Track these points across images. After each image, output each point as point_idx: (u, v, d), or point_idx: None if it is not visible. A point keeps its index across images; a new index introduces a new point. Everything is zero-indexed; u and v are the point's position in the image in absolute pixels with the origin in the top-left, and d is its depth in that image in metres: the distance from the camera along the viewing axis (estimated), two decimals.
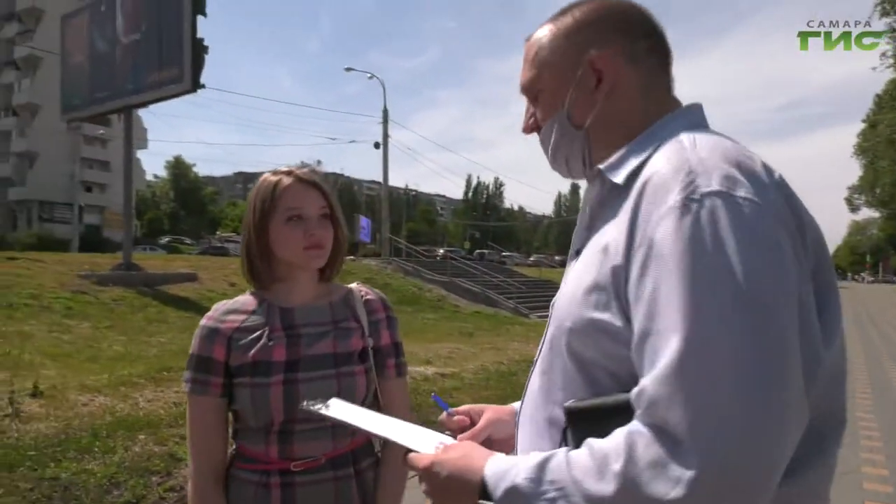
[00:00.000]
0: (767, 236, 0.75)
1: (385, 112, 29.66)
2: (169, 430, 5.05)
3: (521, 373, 8.91)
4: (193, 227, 64.48)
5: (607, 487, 0.72)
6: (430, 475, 0.90)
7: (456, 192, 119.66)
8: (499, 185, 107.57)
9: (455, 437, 1.09)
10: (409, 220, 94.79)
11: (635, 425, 0.74)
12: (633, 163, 0.91)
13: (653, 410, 0.72)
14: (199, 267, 17.31)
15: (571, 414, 0.84)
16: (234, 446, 1.53)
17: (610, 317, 0.83)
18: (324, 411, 1.20)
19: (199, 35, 13.85)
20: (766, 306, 0.71)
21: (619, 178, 0.91)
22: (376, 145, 30.07)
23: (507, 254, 58.72)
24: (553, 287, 25.67)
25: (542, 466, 0.79)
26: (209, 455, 1.49)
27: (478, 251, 57.34)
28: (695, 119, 0.97)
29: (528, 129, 1.10)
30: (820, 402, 0.79)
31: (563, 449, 0.81)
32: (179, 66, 13.96)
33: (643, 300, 0.77)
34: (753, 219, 0.75)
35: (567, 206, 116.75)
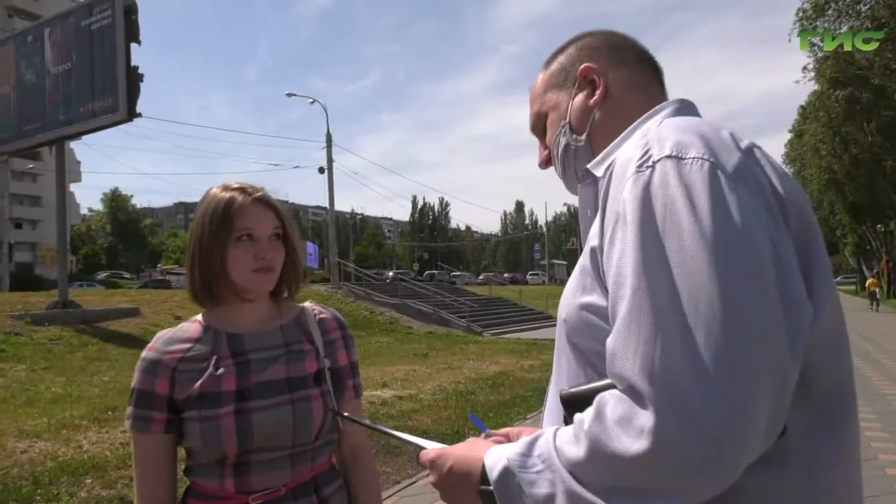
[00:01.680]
0: (720, 193, 0.73)
1: (328, 136, 29.52)
2: (117, 472, 4.82)
3: (478, 391, 8.89)
4: (133, 260, 62.54)
5: (580, 450, 0.73)
6: (437, 467, 0.93)
7: (403, 214, 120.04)
8: (444, 206, 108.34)
9: None
10: (356, 244, 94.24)
11: (610, 390, 0.75)
12: (612, 156, 0.92)
13: (613, 365, 0.73)
14: (141, 301, 16.73)
15: (566, 401, 0.84)
16: (187, 483, 1.44)
17: (595, 297, 0.85)
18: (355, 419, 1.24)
19: (133, 63, 13.53)
20: (717, 259, 0.69)
21: (599, 171, 0.93)
22: (321, 170, 29.84)
23: (457, 273, 59.01)
24: (504, 304, 25.93)
25: (531, 443, 0.81)
26: (157, 493, 1.40)
27: (427, 272, 57.44)
28: (681, 108, 0.99)
29: (543, 163, 1.16)
30: (820, 372, 0.77)
31: (553, 427, 0.83)
32: (114, 96, 13.57)
33: (611, 270, 0.78)
34: (703, 176, 0.74)
35: (513, 224, 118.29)
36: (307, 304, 1.57)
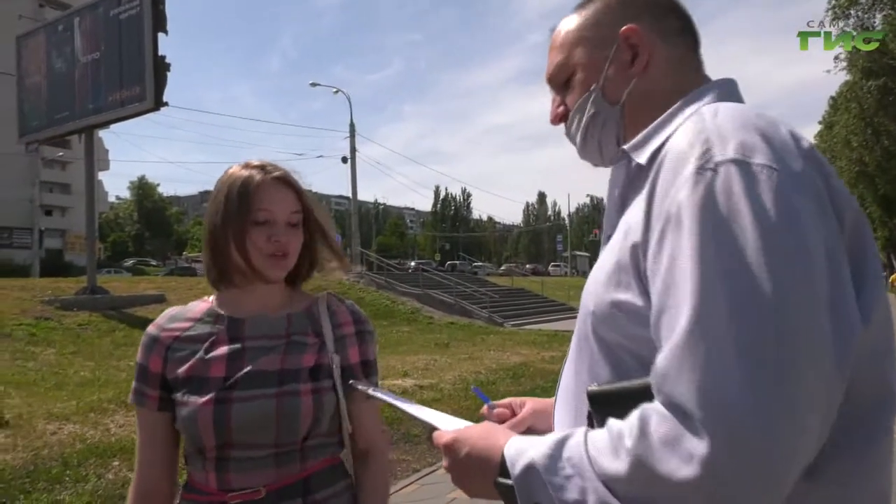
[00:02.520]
0: (786, 205, 0.70)
1: (352, 126, 29.62)
2: None
3: (499, 381, 8.90)
4: (159, 248, 63.47)
5: (621, 465, 0.70)
6: (452, 451, 0.89)
7: (425, 204, 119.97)
8: (466, 196, 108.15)
9: None
10: (378, 233, 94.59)
11: (651, 403, 0.71)
12: (656, 141, 0.88)
13: (663, 385, 0.69)
14: (167, 288, 16.99)
15: (594, 398, 0.81)
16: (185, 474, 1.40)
17: (631, 296, 0.81)
18: (374, 395, 1.18)
19: (160, 53, 13.68)
20: (778, 282, 0.67)
21: (642, 157, 0.89)
22: (344, 160, 29.98)
23: (479, 264, 58.98)
24: (526, 295, 25.81)
25: (560, 444, 0.77)
26: (144, 473, 1.38)
27: (449, 262, 57.44)
28: (725, 91, 0.93)
29: (556, 119, 1.07)
30: (861, 381, 0.73)
31: (583, 428, 0.79)
32: (141, 85, 13.73)
33: (659, 275, 0.74)
34: (771, 187, 0.70)
35: (535, 215, 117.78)
36: (324, 294, 1.49)
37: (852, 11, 25.85)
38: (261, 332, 1.38)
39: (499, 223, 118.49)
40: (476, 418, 1.13)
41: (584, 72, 1.00)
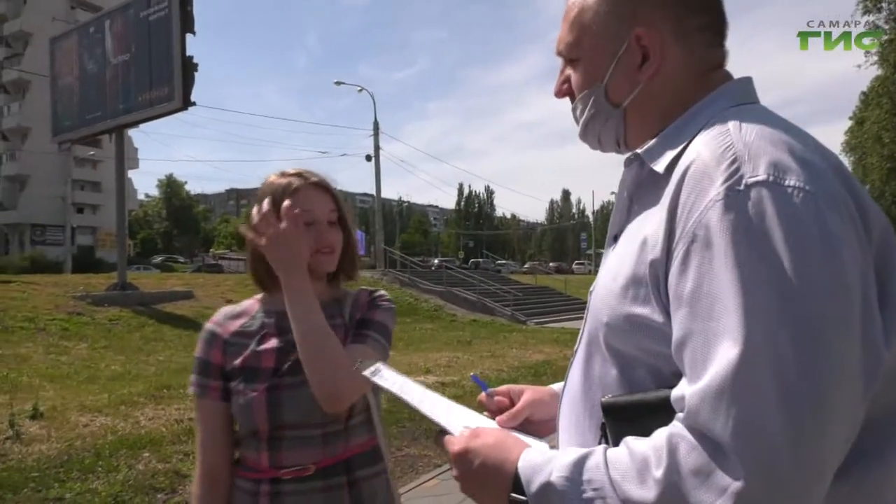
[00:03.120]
0: (821, 229, 0.68)
1: (376, 124, 29.73)
2: (172, 447, 5.04)
3: (521, 379, 8.91)
4: (187, 245, 64.29)
5: (648, 494, 0.69)
6: (463, 462, 0.87)
7: (448, 202, 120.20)
8: (490, 194, 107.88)
9: (493, 418, 1.08)
10: (402, 231, 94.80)
11: (677, 427, 0.71)
12: (673, 148, 0.85)
13: (697, 416, 0.68)
14: (195, 284, 17.29)
15: (609, 410, 0.81)
16: (238, 454, 1.53)
17: (649, 311, 0.79)
18: (373, 377, 1.14)
19: (188, 53, 13.92)
20: (818, 312, 0.66)
21: (659, 166, 0.85)
22: (368, 158, 30.12)
23: (502, 262, 58.80)
24: (549, 293, 25.44)
25: (579, 464, 0.76)
26: (208, 458, 1.49)
27: (472, 260, 57.42)
28: (740, 95, 0.89)
29: (560, 94, 1.03)
30: (878, 401, 0.72)
31: (601, 447, 0.78)
32: (170, 85, 14.02)
33: (684, 298, 0.73)
34: (805, 210, 0.69)
35: (560, 212, 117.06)
36: (358, 290, 1.62)
37: (884, 4, 25.26)
38: None
39: (523, 221, 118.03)
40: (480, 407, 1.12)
41: (590, 64, 0.96)
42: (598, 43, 0.94)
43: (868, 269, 0.72)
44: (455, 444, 0.90)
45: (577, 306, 24.68)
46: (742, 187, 0.71)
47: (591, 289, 0.98)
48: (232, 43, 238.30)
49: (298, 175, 1.51)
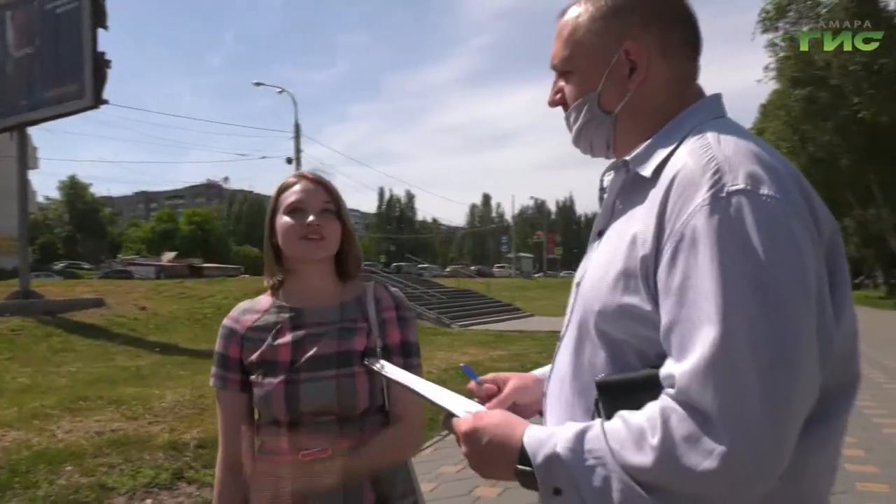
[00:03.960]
0: (789, 231, 0.82)
1: (297, 127, 29.35)
2: (95, 460, 4.81)
3: (449, 381, 9.01)
4: (92, 250, 60.99)
5: (646, 458, 0.81)
6: (471, 440, 0.96)
7: (370, 206, 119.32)
8: (411, 198, 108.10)
9: (483, 405, 1.16)
10: None
11: (667, 401, 0.82)
12: (659, 155, 0.96)
13: (688, 391, 0.80)
14: (105, 292, 16.41)
15: (602, 387, 0.91)
16: (260, 440, 1.59)
17: (639, 301, 0.90)
18: (382, 371, 1.34)
19: (100, 49, 13.25)
20: (787, 300, 0.79)
21: (646, 171, 0.96)
22: (288, 161, 29.64)
23: (425, 266, 58.98)
24: (472, 296, 25.60)
25: (580, 436, 0.86)
26: (229, 445, 1.58)
27: (395, 264, 57.32)
28: (715, 109, 1.02)
29: (553, 104, 1.14)
30: (831, 374, 0.86)
31: (598, 421, 0.88)
32: (80, 82, 13.25)
33: (672, 289, 0.84)
34: (776, 215, 0.82)
35: (480, 217, 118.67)
36: (372, 283, 1.68)
37: (780, 24, 27.19)
38: (318, 320, 1.56)
39: (443, 225, 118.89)
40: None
41: (584, 76, 1.06)
42: (591, 56, 1.05)
43: (821, 265, 0.85)
44: (463, 424, 0.99)
45: (500, 309, 25.14)
46: (724, 194, 0.83)
47: (576, 281, 1.08)
48: (146, 40, 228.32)
49: (299, 174, 1.62)
